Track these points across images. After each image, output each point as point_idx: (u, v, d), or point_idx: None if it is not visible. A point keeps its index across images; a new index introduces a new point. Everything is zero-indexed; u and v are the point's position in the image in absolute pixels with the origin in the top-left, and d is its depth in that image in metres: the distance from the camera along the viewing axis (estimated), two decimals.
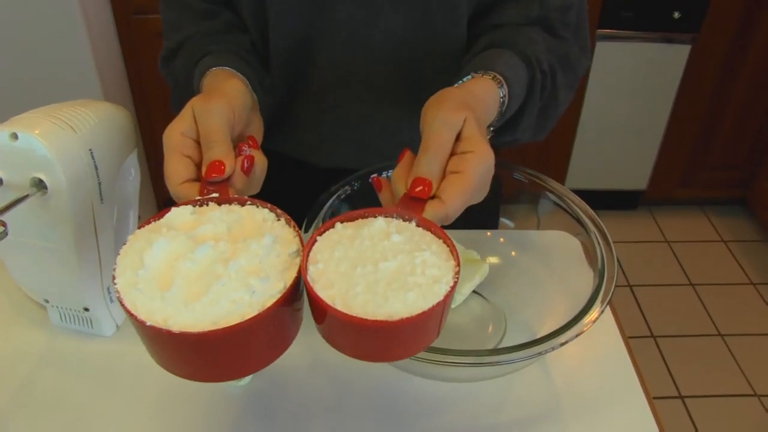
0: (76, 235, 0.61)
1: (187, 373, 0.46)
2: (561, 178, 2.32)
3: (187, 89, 0.72)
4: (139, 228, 0.48)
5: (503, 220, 0.81)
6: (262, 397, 0.65)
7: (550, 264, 0.75)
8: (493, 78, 0.63)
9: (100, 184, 0.62)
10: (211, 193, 0.51)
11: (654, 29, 2.02)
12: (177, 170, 0.53)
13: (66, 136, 0.58)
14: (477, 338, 0.72)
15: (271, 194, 0.73)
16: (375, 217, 0.50)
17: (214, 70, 0.67)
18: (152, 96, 2.00)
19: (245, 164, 0.55)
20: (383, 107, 0.80)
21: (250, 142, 0.58)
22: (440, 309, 0.44)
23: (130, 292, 0.44)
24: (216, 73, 0.66)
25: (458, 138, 0.53)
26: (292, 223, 0.49)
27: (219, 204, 0.51)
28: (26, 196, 0.57)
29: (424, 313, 0.43)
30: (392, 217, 0.50)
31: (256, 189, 0.58)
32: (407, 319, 0.43)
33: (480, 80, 0.62)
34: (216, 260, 0.45)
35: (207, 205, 0.51)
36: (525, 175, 0.76)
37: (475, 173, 0.51)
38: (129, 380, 0.66)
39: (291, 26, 0.74)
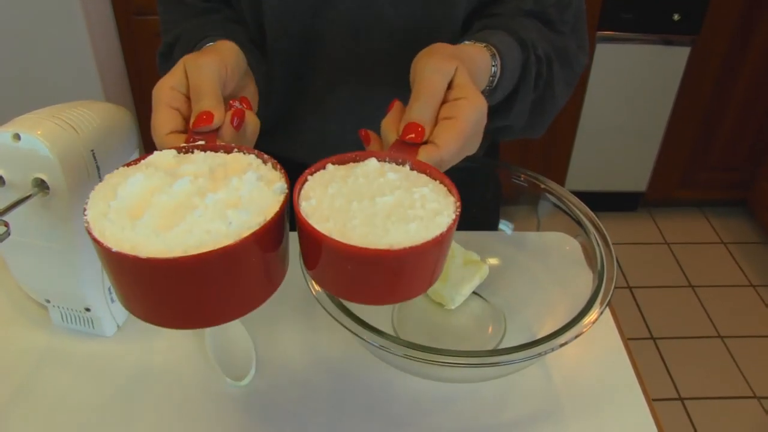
0: (78, 235, 0.62)
1: (158, 316, 0.43)
2: (561, 180, 2.32)
3: None
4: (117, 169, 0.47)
5: (503, 222, 0.81)
6: (262, 397, 0.65)
7: (549, 265, 0.76)
8: (485, 47, 0.62)
9: None
10: (198, 142, 0.50)
11: (654, 31, 2.02)
12: (164, 120, 0.52)
13: (68, 137, 0.58)
14: (477, 339, 0.72)
15: None
16: (367, 159, 0.49)
17: (210, 44, 0.65)
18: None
19: (235, 119, 0.53)
20: (383, 105, 0.80)
21: (243, 103, 0.56)
22: (443, 241, 0.42)
23: (99, 221, 0.41)
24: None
25: (450, 86, 0.53)
26: (279, 166, 0.47)
27: (204, 151, 0.49)
28: (28, 197, 0.57)
29: (428, 242, 0.41)
30: (387, 160, 0.49)
31: (249, 143, 0.56)
32: (411, 248, 0.41)
33: (472, 46, 0.61)
34: (193, 194, 0.42)
35: (192, 152, 0.48)
36: (525, 177, 0.76)
37: (468, 119, 0.50)
38: (130, 380, 0.66)
39: (289, 27, 0.74)
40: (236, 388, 0.66)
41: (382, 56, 0.76)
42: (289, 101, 0.81)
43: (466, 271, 0.74)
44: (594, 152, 2.27)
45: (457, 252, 0.76)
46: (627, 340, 0.73)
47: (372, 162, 0.48)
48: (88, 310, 0.68)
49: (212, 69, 0.54)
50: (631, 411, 0.65)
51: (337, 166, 0.49)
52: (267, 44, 0.75)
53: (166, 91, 0.53)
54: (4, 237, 0.56)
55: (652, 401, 0.66)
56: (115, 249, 0.38)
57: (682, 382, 1.86)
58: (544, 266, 0.75)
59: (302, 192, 0.46)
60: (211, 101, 0.52)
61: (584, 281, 0.67)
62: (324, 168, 0.48)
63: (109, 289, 0.69)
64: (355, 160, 0.49)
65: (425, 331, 0.73)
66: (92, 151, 0.60)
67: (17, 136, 0.57)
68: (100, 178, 0.62)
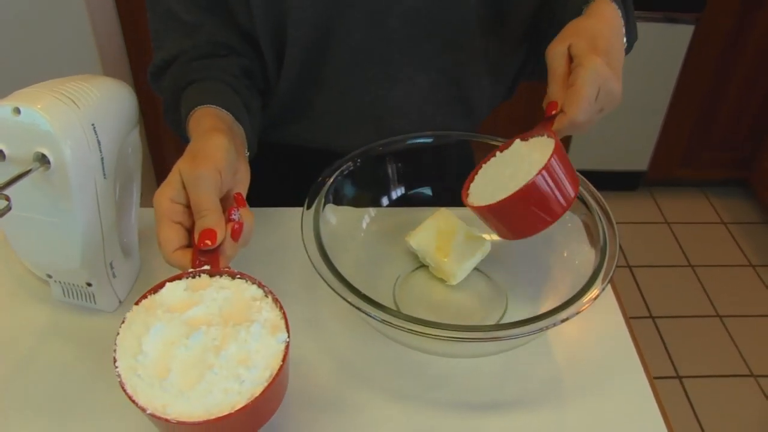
0: (79, 210, 0.61)
1: None
2: None
3: (176, 112, 0.73)
4: (136, 303, 0.53)
5: None
6: None
7: (551, 242, 0.75)
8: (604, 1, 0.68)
9: (102, 159, 0.62)
10: (203, 264, 0.55)
11: (657, 8, 2.00)
12: (169, 238, 0.55)
13: (68, 111, 0.58)
14: (478, 315, 0.72)
15: (296, 186, 0.74)
16: (514, 140, 0.67)
17: (199, 109, 0.66)
18: None
19: (235, 231, 0.57)
20: (398, 86, 0.81)
21: (237, 204, 0.58)
22: (533, 186, 0.59)
23: (131, 377, 0.48)
24: (199, 117, 0.65)
25: (572, 59, 0.61)
26: (278, 303, 0.53)
27: (210, 276, 0.54)
28: (29, 171, 0.57)
29: (516, 191, 0.59)
30: (530, 137, 0.65)
31: (244, 245, 0.59)
32: (506, 198, 0.60)
33: (600, 4, 0.67)
34: (208, 348, 0.50)
35: (200, 276, 0.55)
36: None
37: (585, 82, 0.59)
38: None
39: (309, 17, 0.73)
40: None
41: (399, 37, 0.76)
42: (303, 88, 0.80)
43: (467, 246, 0.74)
44: (595, 131, 2.25)
45: (459, 227, 0.76)
46: (629, 318, 0.73)
47: (516, 143, 0.67)
48: (89, 285, 0.68)
49: (210, 182, 0.56)
50: (632, 388, 0.66)
51: (499, 153, 0.68)
52: (287, 34, 0.75)
53: (166, 204, 0.56)
54: (5, 211, 0.56)
55: (653, 378, 0.67)
56: (149, 411, 0.47)
57: (680, 361, 1.87)
58: (547, 243, 0.75)
59: (476, 178, 0.67)
60: (212, 217, 0.55)
61: (586, 259, 0.67)
62: (494, 156, 0.68)
63: (111, 264, 0.69)
64: (506, 145, 0.68)
65: (427, 306, 0.73)
66: (93, 124, 0.60)
67: (17, 110, 0.56)
68: (101, 153, 0.62)
